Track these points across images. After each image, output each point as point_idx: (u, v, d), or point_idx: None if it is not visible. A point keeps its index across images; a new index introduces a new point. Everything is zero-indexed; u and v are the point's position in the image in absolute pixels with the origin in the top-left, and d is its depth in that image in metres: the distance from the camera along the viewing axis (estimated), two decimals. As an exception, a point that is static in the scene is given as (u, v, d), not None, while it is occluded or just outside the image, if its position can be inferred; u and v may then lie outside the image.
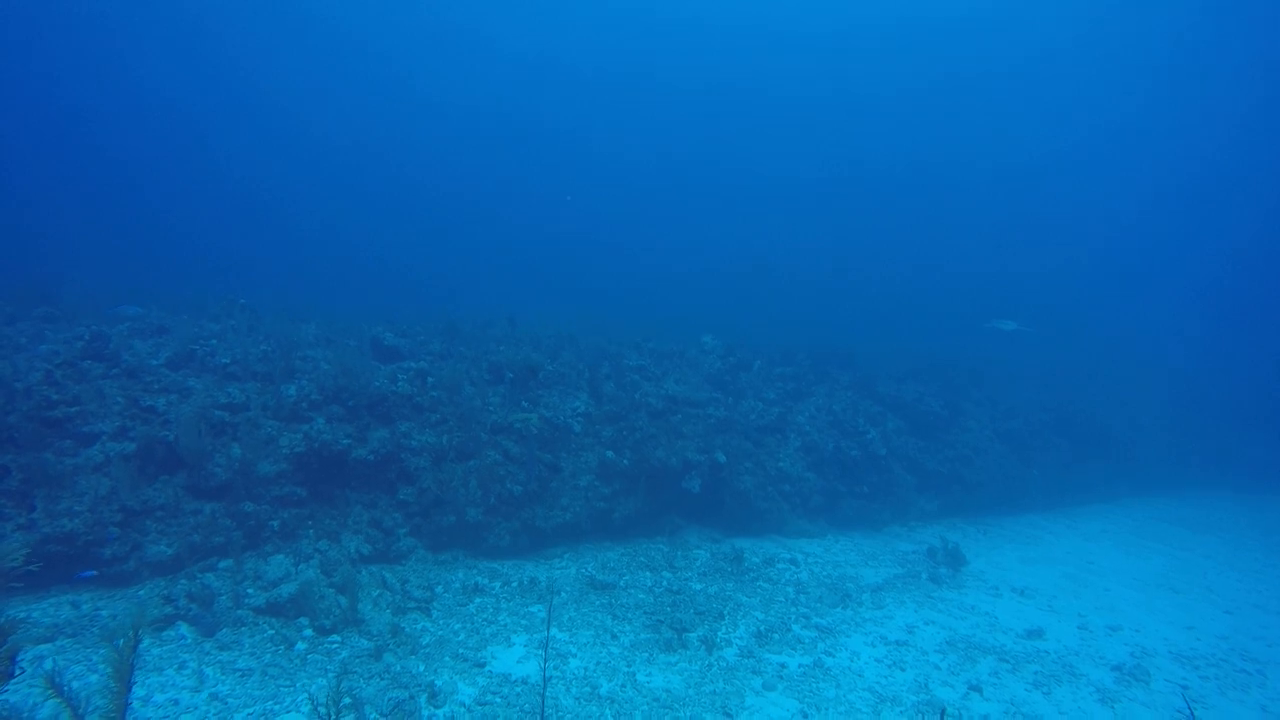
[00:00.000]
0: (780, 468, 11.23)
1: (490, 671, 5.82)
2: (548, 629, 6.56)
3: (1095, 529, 12.94)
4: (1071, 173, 59.19)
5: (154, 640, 5.71)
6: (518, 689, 5.56)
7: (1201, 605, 9.19)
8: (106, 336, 8.48)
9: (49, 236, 26.31)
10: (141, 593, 6.28)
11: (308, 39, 55.15)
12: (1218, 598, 9.56)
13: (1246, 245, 53.44)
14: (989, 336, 17.73)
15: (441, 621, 6.69)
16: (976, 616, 8.06)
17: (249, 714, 4.87)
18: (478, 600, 7.21)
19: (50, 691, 3.19)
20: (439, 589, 7.34)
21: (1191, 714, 6.12)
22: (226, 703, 4.98)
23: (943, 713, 5.74)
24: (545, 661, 5.97)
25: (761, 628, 7.13)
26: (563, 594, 7.58)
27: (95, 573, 6.29)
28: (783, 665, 6.40)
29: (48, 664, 5.14)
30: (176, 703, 4.91)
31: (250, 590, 6.44)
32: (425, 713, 5.17)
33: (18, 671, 3.66)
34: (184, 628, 5.91)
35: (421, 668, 5.77)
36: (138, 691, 4.96)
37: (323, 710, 4.39)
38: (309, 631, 6.11)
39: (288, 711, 4.95)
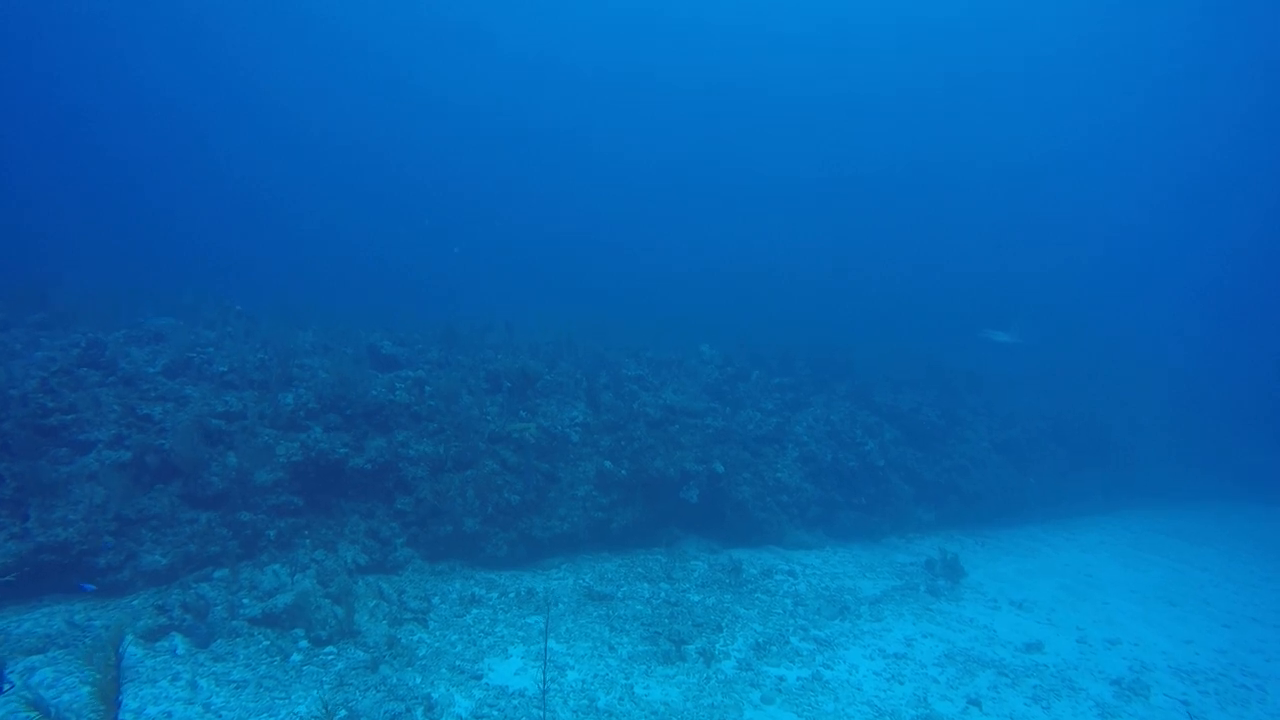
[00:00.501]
0: (778, 478, 11.21)
1: (487, 684, 5.78)
2: (545, 641, 6.53)
3: (1093, 540, 12.93)
4: (1072, 173, 59.43)
5: (147, 651, 5.67)
6: (515, 702, 5.52)
7: (1199, 618, 9.17)
8: (103, 344, 8.44)
9: (48, 237, 26.23)
10: (135, 603, 6.24)
11: (308, 39, 55.22)
12: (1215, 611, 9.54)
13: (1246, 245, 53.63)
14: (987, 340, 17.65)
15: (438, 633, 6.65)
16: (975, 629, 8.03)
17: (243, 728, 4.83)
18: (475, 611, 7.18)
19: (35, 715, 3.15)
20: (436, 600, 7.30)
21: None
22: (220, 715, 4.94)
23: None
24: (545, 674, 5.94)
25: (760, 640, 7.10)
26: (560, 605, 7.54)
27: (94, 587, 6.26)
28: (781, 678, 6.38)
29: (38, 676, 5.10)
30: (170, 715, 4.87)
31: (246, 600, 6.40)
32: (421, 727, 5.14)
33: (5, 687, 3.61)
34: (178, 639, 5.87)
35: (418, 680, 5.73)
36: (130, 704, 4.92)
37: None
38: (304, 643, 6.07)
39: (282, 725, 4.92)
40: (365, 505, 8.19)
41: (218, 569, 6.74)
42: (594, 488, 9.41)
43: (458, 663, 6.08)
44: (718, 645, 6.89)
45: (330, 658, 5.93)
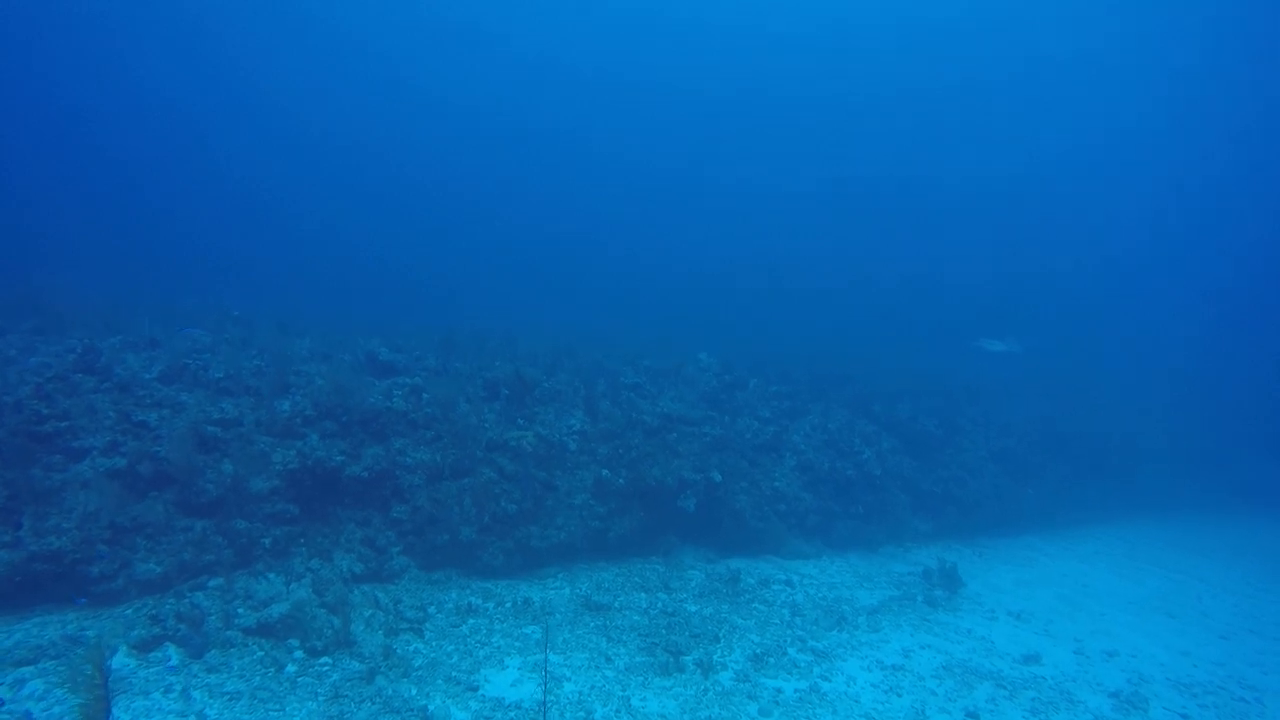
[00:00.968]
0: (776, 487, 11.18)
1: (484, 695, 5.74)
2: (545, 652, 6.50)
3: (1090, 550, 12.92)
4: (1075, 178, 59.50)
5: (141, 662, 5.63)
6: (512, 714, 5.49)
7: (1197, 630, 9.16)
8: (98, 350, 8.40)
9: (47, 237, 26.15)
10: (129, 612, 6.19)
11: (307, 38, 55.23)
12: (1213, 623, 9.53)
13: (1249, 250, 53.77)
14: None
15: (435, 643, 6.61)
16: (973, 640, 8.01)
17: (237, 742, 4.80)
18: (471, 621, 7.14)
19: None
20: (432, 609, 7.26)
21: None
22: (214, 729, 4.91)
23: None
24: (545, 686, 5.90)
25: (757, 651, 7.06)
26: (557, 615, 7.51)
27: (86, 600, 6.22)
28: (779, 690, 6.34)
29: (28, 688, 5.07)
30: (163, 729, 4.84)
31: (241, 610, 6.36)
32: (417, 740, 5.11)
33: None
34: (172, 649, 5.82)
35: (414, 691, 5.69)
36: (123, 717, 4.88)
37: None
38: (300, 653, 6.02)
39: (276, 739, 4.88)
40: (361, 513, 8.14)
41: (213, 578, 6.70)
42: (591, 496, 9.38)
43: (454, 674, 6.04)
44: (715, 656, 6.85)
45: (325, 668, 5.89)
